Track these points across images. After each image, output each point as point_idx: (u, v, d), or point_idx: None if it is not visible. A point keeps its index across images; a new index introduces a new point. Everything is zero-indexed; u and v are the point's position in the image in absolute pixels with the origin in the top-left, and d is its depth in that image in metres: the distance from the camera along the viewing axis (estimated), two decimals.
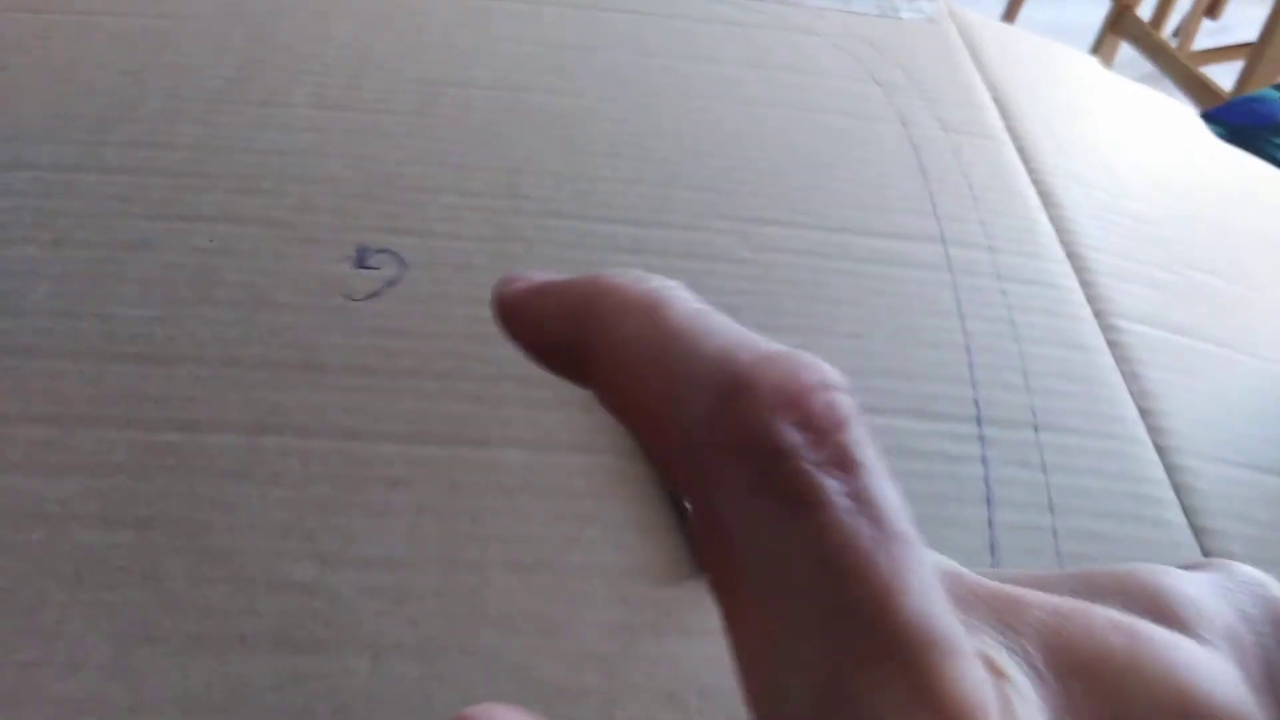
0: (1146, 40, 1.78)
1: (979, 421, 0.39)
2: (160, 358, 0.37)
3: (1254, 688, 0.15)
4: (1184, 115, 0.65)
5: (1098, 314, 0.45)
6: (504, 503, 0.35)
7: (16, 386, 0.36)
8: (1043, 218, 0.50)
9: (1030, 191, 0.51)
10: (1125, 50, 1.89)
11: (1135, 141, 0.59)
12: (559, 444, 0.37)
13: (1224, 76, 1.69)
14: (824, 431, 0.15)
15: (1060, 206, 0.51)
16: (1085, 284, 0.47)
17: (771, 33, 0.61)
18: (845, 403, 0.15)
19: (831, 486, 0.14)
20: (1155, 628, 0.16)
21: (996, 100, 0.58)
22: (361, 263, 0.42)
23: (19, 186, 0.43)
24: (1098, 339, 0.44)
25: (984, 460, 0.38)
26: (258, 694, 0.29)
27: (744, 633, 0.15)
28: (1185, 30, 1.94)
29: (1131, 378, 0.42)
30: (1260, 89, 0.96)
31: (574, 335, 0.18)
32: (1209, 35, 1.97)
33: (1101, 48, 1.88)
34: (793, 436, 0.14)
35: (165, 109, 0.48)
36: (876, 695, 0.13)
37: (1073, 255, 0.48)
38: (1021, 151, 0.54)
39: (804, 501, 0.14)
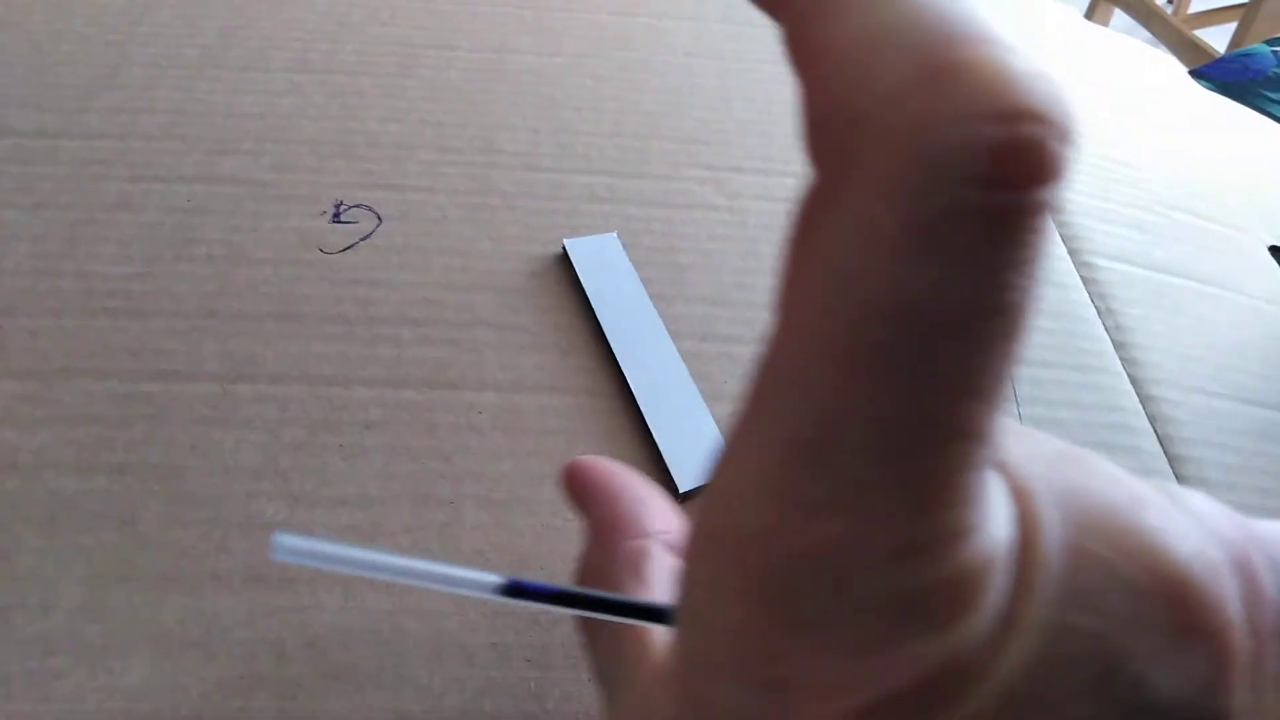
0: (1139, 6, 1.77)
1: None
2: (138, 312, 0.38)
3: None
4: (1164, 62, 0.64)
5: (1073, 253, 0.45)
6: (477, 442, 0.35)
7: None
8: None
9: None
10: (1119, 17, 1.88)
11: (1114, 87, 0.59)
12: (533, 385, 0.37)
13: (1218, 40, 1.68)
14: (1023, 178, 0.11)
15: None
16: (1061, 224, 0.47)
17: None
18: (1059, 155, 0.11)
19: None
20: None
21: None
22: (337, 217, 0.42)
23: (1, 154, 0.43)
24: (1073, 276, 0.44)
25: None
26: (230, 629, 0.30)
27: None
28: None
29: (1107, 313, 0.42)
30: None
31: None
32: (1201, 0, 1.95)
33: (1094, 15, 1.87)
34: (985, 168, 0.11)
35: (146, 77, 0.48)
36: None
37: None
38: None
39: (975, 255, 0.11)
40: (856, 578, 0.13)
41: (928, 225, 0.11)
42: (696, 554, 0.15)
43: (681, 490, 0.34)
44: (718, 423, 0.36)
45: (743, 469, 0.14)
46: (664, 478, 0.34)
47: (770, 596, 0.13)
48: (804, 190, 0.13)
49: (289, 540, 0.16)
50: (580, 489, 0.26)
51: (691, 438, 0.35)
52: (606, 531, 0.24)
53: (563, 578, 0.32)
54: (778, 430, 0.13)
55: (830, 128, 0.12)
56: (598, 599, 0.19)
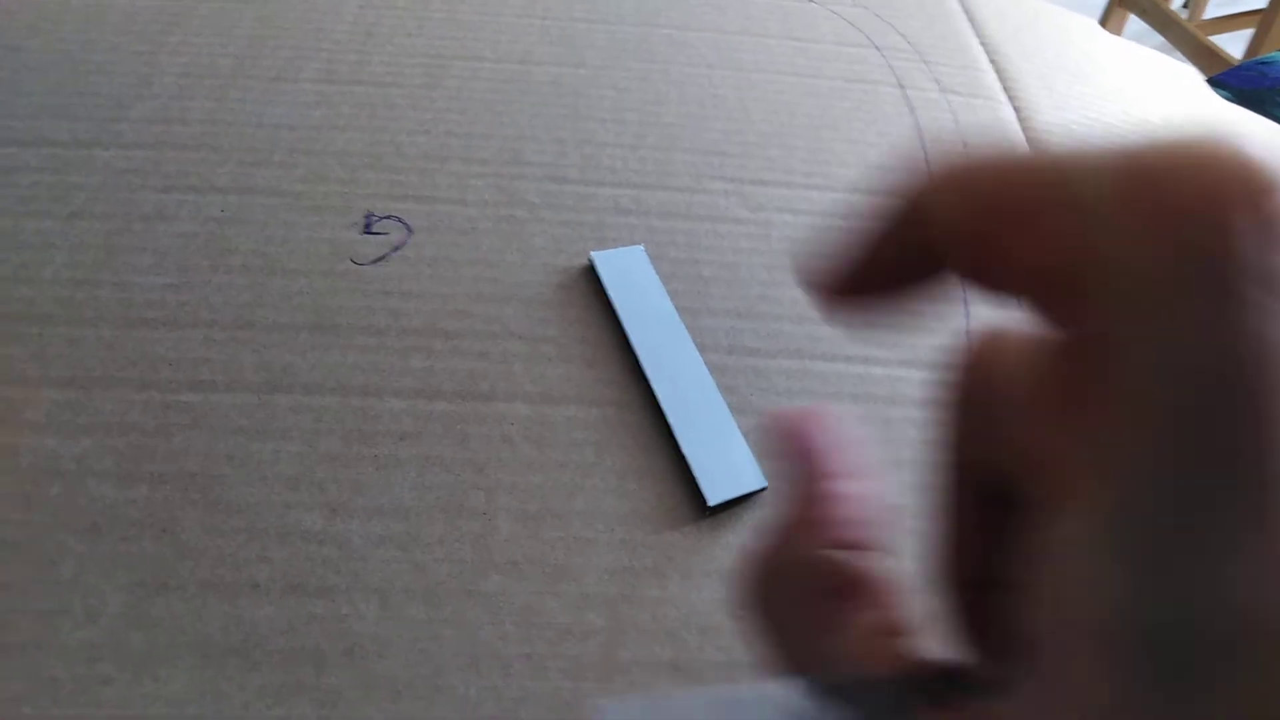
0: (1154, 12, 1.77)
1: None
2: (175, 322, 0.38)
3: None
4: (1183, 73, 0.65)
5: None
6: (509, 453, 0.36)
7: (36, 352, 0.37)
8: None
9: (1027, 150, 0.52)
10: (1133, 23, 1.87)
11: (1134, 99, 0.59)
12: (562, 397, 0.37)
13: (1234, 47, 1.68)
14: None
15: None
16: None
17: (769, 0, 0.61)
18: None
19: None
20: None
21: (993, 62, 0.58)
22: (368, 229, 0.43)
23: (36, 163, 0.44)
24: None
25: None
26: (269, 637, 0.30)
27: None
28: (1195, 1, 1.92)
29: None
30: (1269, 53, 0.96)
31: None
32: (1218, 6, 1.95)
33: (1109, 22, 1.87)
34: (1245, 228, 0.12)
35: (177, 86, 0.49)
36: None
37: None
38: (1018, 111, 0.54)
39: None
40: None
41: None
42: None
43: (710, 503, 0.34)
44: (745, 435, 0.37)
45: None
46: (692, 490, 0.35)
47: None
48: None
49: (614, 708, 0.16)
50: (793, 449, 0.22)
51: (719, 450, 0.36)
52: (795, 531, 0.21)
53: (593, 588, 0.32)
54: None
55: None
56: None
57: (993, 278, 0.15)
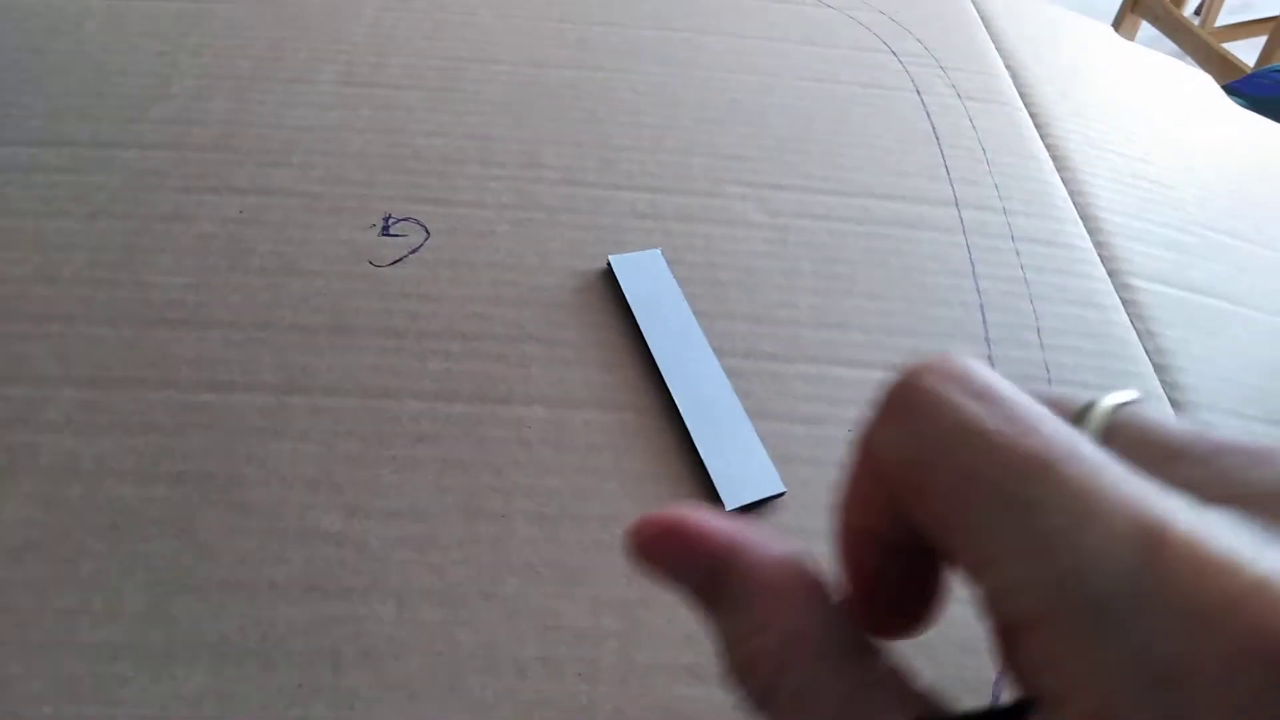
0: (1166, 18, 1.77)
1: None
2: (194, 322, 0.38)
3: None
4: (1200, 80, 0.65)
5: (1112, 274, 0.46)
6: (527, 456, 0.36)
7: (57, 351, 0.37)
8: (1056, 180, 0.50)
9: (1044, 155, 0.52)
10: (1145, 30, 1.87)
11: (1151, 106, 0.59)
12: (580, 400, 0.37)
13: (1247, 54, 1.68)
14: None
15: (1074, 170, 0.51)
16: (1099, 245, 0.47)
17: (787, 6, 0.61)
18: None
19: None
20: None
21: (1010, 68, 0.58)
22: (386, 231, 0.43)
23: (57, 163, 0.44)
24: (1112, 298, 0.44)
25: None
26: (287, 637, 0.30)
27: None
28: (1208, 7, 1.92)
29: (1147, 335, 0.43)
30: None
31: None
32: (1231, 13, 1.95)
33: (1121, 28, 1.86)
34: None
35: (197, 88, 0.49)
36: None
37: (1087, 217, 0.48)
38: (1035, 117, 0.54)
39: None
40: None
41: None
42: None
43: (728, 507, 0.34)
44: (762, 440, 0.37)
45: None
46: (710, 494, 0.35)
47: None
48: None
49: None
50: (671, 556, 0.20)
51: (737, 454, 0.36)
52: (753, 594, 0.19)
53: (609, 591, 0.32)
54: None
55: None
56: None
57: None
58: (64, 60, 0.50)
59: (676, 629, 0.32)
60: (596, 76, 0.53)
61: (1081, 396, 0.18)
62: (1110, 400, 0.18)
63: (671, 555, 0.19)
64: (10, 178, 0.43)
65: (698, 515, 0.19)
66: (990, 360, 0.40)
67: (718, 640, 0.19)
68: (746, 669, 0.18)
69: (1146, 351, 0.42)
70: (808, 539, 0.34)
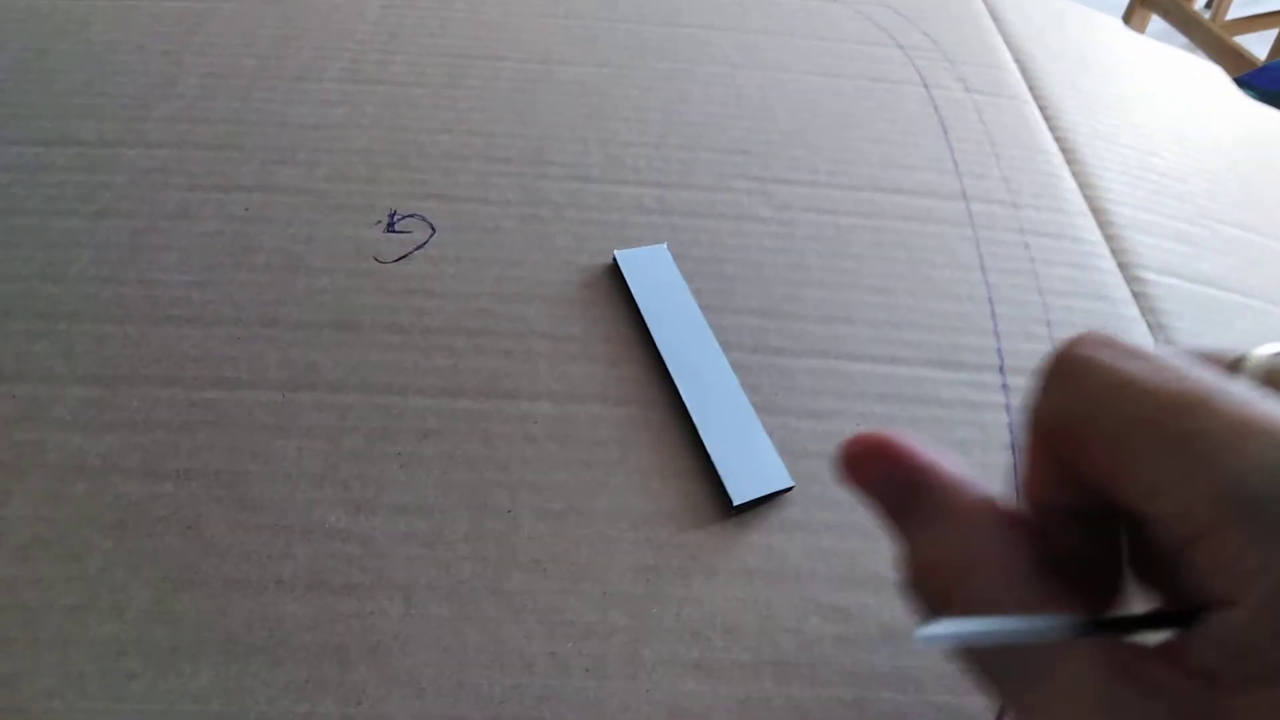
0: (1177, 12, 1.76)
1: (1003, 371, 0.40)
2: (200, 320, 0.38)
3: None
4: (1210, 73, 0.64)
5: (1122, 266, 0.45)
6: (533, 451, 0.35)
7: (63, 349, 0.37)
8: (1066, 174, 0.50)
9: (1053, 149, 0.52)
10: (1156, 24, 1.86)
11: (1160, 98, 0.59)
12: (586, 395, 0.37)
13: (1258, 47, 1.67)
14: None
15: (1084, 163, 0.51)
16: (1109, 238, 0.47)
17: (794, 1, 0.61)
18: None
19: None
20: None
21: (1018, 61, 0.58)
22: (391, 227, 0.43)
23: (63, 162, 0.44)
24: (1122, 290, 0.44)
25: (1008, 408, 0.38)
26: (294, 633, 0.30)
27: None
28: (1219, 1, 1.91)
29: (1157, 328, 0.43)
30: None
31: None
32: (1242, 6, 1.94)
33: (1131, 21, 1.86)
34: None
35: (202, 86, 0.49)
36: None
37: (1096, 210, 0.48)
38: (1044, 110, 0.54)
39: None
40: None
41: None
42: None
43: (735, 502, 0.34)
44: (769, 434, 0.36)
45: None
46: (717, 489, 0.35)
47: None
48: None
49: (929, 631, 0.18)
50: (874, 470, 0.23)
51: (744, 449, 0.36)
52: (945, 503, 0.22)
53: (617, 586, 0.32)
54: None
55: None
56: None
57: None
58: (69, 60, 0.50)
59: (684, 624, 0.32)
60: (602, 72, 0.53)
61: (1233, 350, 0.21)
62: (1265, 349, 0.20)
63: (877, 470, 0.22)
64: (16, 177, 0.43)
65: (905, 438, 0.22)
66: (999, 353, 0.40)
67: (902, 552, 0.21)
68: (927, 575, 0.21)
69: (1157, 344, 0.42)
70: (815, 534, 0.34)
